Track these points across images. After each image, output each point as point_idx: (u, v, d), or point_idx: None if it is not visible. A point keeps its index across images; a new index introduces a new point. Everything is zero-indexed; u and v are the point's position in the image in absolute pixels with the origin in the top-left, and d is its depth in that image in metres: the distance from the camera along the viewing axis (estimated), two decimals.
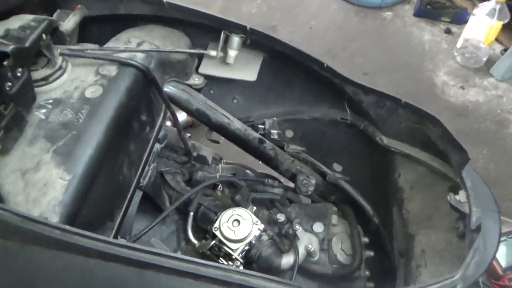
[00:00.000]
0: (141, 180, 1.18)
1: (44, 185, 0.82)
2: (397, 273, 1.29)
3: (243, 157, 1.71)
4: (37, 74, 0.98)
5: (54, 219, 0.78)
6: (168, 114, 1.26)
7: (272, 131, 1.48)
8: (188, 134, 1.67)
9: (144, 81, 1.07)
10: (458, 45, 3.18)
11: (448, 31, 3.43)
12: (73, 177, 0.84)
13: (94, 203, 0.89)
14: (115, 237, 1.00)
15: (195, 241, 1.32)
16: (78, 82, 1.01)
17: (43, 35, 0.95)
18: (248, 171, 1.65)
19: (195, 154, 1.52)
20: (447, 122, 1.02)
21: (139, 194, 1.20)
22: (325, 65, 1.13)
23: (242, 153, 1.52)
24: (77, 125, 0.92)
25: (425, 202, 1.15)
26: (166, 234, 1.40)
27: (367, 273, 1.32)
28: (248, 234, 1.24)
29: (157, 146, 1.29)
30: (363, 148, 1.38)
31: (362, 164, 1.43)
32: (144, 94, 1.09)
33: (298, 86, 1.35)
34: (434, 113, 1.05)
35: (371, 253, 1.38)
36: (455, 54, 3.20)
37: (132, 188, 1.06)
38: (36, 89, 0.96)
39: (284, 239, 1.34)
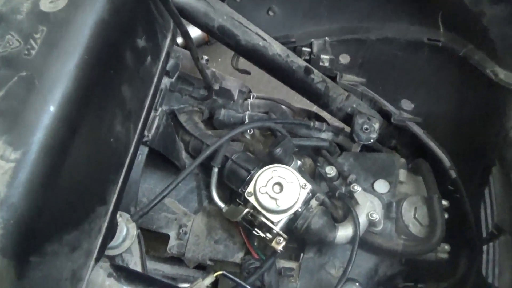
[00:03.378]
0: (145, 133, 0.83)
1: None
2: (484, 250, 0.98)
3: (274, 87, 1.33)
4: None
5: None
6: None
7: (322, 56, 1.08)
8: (205, 57, 1.28)
9: None
10: None
11: None
12: (24, 155, 0.49)
13: (68, 190, 0.56)
14: (111, 221, 0.68)
15: (221, 205, 1.01)
16: None
17: None
18: (284, 106, 1.28)
19: (216, 87, 1.15)
20: None
21: (144, 151, 0.86)
22: None
23: (274, 81, 1.14)
24: (28, 61, 0.55)
25: None
26: (183, 193, 1.10)
27: (447, 247, 1.02)
28: (294, 203, 0.91)
29: (166, 81, 0.92)
30: (454, 82, 0.98)
31: (447, 103, 1.05)
32: (139, 5, 0.69)
33: None
34: None
35: (445, 216, 1.07)
36: None
37: (131, 150, 0.72)
38: None
39: (337, 201, 1.03)
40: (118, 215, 0.76)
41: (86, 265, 0.62)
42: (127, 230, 0.79)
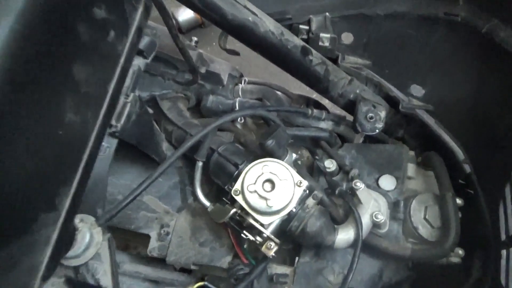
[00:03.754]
0: (113, 123, 0.71)
1: None
2: (502, 255, 0.87)
3: (271, 72, 1.21)
4: None
5: None
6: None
7: (322, 34, 0.95)
8: (195, 39, 1.16)
9: None
10: None
11: None
12: None
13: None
14: (65, 229, 0.57)
15: (206, 203, 0.89)
16: None
17: None
18: (279, 92, 1.15)
19: (203, 70, 1.02)
20: None
21: (112, 144, 0.74)
22: None
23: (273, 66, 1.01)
24: None
25: None
26: (165, 189, 0.99)
27: (461, 252, 0.90)
28: (287, 204, 0.80)
29: (140, 62, 0.79)
30: (474, 64, 0.86)
31: (464, 88, 0.93)
32: None
33: None
34: None
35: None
36: None
37: (91, 143, 0.60)
38: None
39: (337, 200, 0.91)
40: (78, 220, 0.65)
41: (30, 286, 0.50)
42: (90, 236, 0.67)
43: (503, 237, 0.90)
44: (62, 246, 0.58)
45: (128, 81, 0.74)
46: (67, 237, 0.60)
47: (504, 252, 0.89)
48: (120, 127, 0.71)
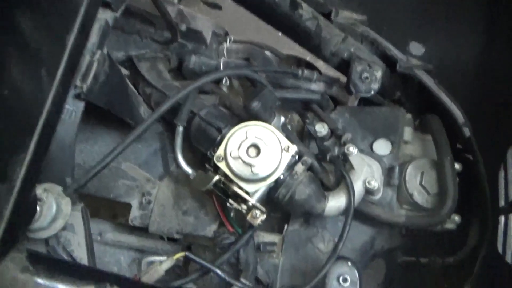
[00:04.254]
0: (78, 83, 0.64)
1: None
2: (500, 222, 0.83)
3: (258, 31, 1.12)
4: None
5: None
6: None
7: None
8: None
9: None
10: None
11: None
12: None
13: None
14: (20, 201, 0.51)
15: (188, 170, 0.84)
16: None
17: None
18: (268, 52, 1.07)
19: (183, 27, 0.94)
20: None
21: (78, 107, 0.67)
22: None
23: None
24: None
25: None
26: (144, 156, 0.93)
27: (457, 218, 0.86)
28: (274, 170, 0.74)
29: (108, 16, 0.71)
30: (481, 19, 0.78)
31: (468, 47, 0.85)
32: None
33: None
34: None
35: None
36: None
37: (47, 106, 0.53)
38: None
39: (329, 166, 0.86)
40: (41, 190, 0.60)
41: None
42: (57, 207, 0.62)
43: (501, 203, 0.86)
44: (20, 218, 0.52)
45: (94, 37, 0.66)
46: (27, 208, 0.54)
47: (502, 218, 0.85)
48: (86, 88, 0.64)
